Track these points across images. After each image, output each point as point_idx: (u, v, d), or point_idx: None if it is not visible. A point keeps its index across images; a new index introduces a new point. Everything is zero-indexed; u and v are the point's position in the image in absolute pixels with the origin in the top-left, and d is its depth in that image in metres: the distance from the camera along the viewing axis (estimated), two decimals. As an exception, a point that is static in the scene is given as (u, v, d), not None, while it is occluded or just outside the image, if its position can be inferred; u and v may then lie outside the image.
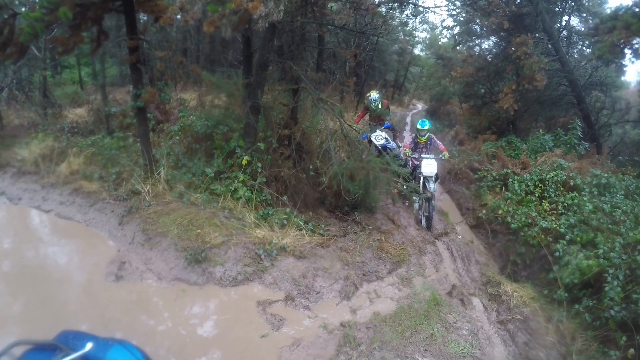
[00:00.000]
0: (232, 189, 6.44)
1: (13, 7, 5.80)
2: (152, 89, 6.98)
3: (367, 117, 9.82)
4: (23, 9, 7.41)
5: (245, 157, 6.50)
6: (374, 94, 9.33)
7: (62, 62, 17.60)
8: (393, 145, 8.65)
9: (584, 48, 14.01)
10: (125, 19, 6.44)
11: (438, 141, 7.94)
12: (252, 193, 6.42)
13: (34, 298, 4.63)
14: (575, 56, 13.59)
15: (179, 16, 6.45)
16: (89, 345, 2.22)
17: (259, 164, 6.53)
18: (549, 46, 11.35)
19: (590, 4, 13.36)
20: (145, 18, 10.15)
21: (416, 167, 7.66)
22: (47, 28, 4.90)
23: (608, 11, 10.52)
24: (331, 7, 6.46)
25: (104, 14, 5.92)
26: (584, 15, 13.28)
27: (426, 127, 7.74)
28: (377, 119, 9.40)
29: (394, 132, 9.68)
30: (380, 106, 9.09)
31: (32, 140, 9.03)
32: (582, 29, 13.19)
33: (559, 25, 12.84)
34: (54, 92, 12.68)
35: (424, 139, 7.75)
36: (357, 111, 15.49)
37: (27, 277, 5.06)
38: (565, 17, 13.25)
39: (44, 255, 5.72)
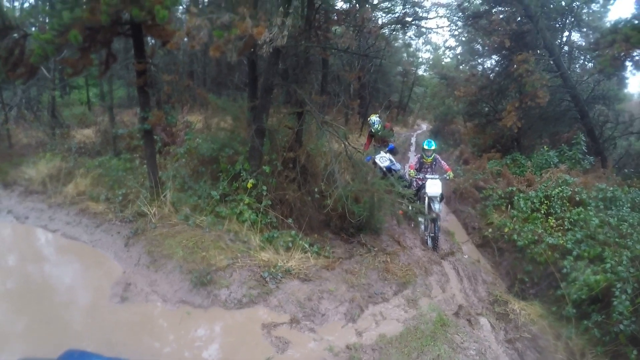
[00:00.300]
0: (238, 212, 6.47)
1: (24, 29, 5.95)
2: (159, 111, 7.07)
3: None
4: (33, 29, 7.60)
5: (251, 180, 6.55)
6: (373, 118, 9.77)
7: (70, 83, 17.86)
8: (398, 166, 8.69)
9: (586, 62, 14.12)
10: (134, 43, 6.58)
11: (442, 161, 7.97)
12: (257, 216, 6.42)
13: (39, 317, 4.63)
14: (577, 71, 13.68)
15: (185, 39, 6.58)
16: None
17: (264, 187, 6.56)
18: (551, 62, 11.42)
19: (590, 18, 13.47)
20: (153, 42, 10.36)
21: (421, 188, 7.68)
22: (57, 50, 5.01)
23: (608, 25, 10.59)
24: (335, 30, 6.57)
25: (112, 38, 6.05)
26: (584, 30, 13.41)
27: (433, 147, 7.78)
28: (381, 141, 9.51)
29: (394, 154, 9.74)
30: (380, 128, 9.38)
31: (40, 159, 9.14)
32: (583, 43, 13.32)
33: (559, 41, 12.93)
34: (62, 113, 12.86)
35: (429, 159, 7.79)
36: (362, 132, 15.65)
37: (32, 296, 5.07)
38: (566, 33, 13.37)
39: (50, 275, 5.75)
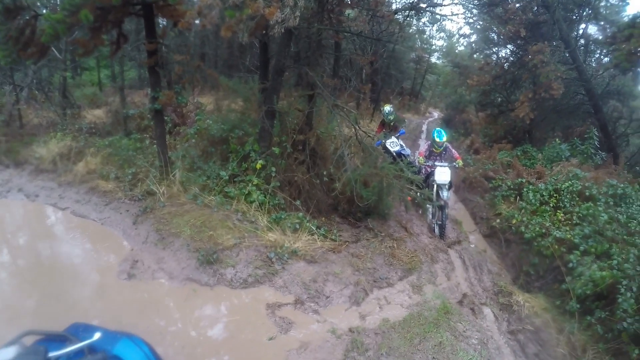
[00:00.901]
0: (246, 193, 6.51)
1: (35, 9, 5.96)
2: (170, 92, 7.09)
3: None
4: (45, 11, 7.62)
5: (260, 161, 6.57)
6: (387, 107, 9.69)
7: (81, 64, 17.90)
8: (408, 151, 8.66)
9: (601, 57, 13.81)
10: (145, 23, 6.57)
11: (453, 149, 7.90)
12: (265, 197, 6.46)
13: (47, 293, 4.73)
14: (593, 65, 13.40)
15: (197, 21, 6.55)
16: (96, 335, 2.26)
17: (273, 169, 6.58)
18: (566, 54, 11.20)
19: (607, 12, 13.14)
20: (164, 22, 10.33)
21: (430, 175, 7.64)
22: (68, 30, 5.01)
23: (625, 19, 10.35)
24: (348, 14, 6.48)
25: (124, 18, 6.05)
26: (601, 23, 13.07)
27: (444, 139, 7.70)
28: (393, 129, 9.51)
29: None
30: (394, 118, 9.37)
31: (51, 139, 9.20)
32: (600, 37, 13.02)
33: (576, 33, 12.66)
34: (73, 93, 12.89)
35: (440, 150, 7.72)
36: (373, 118, 15.52)
37: (41, 272, 5.18)
38: (583, 25, 13.04)
39: (58, 252, 5.84)
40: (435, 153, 7.79)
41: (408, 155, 8.54)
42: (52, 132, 9.57)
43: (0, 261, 5.47)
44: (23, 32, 5.64)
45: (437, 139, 7.68)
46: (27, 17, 5.73)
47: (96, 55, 14.86)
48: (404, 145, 8.82)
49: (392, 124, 9.47)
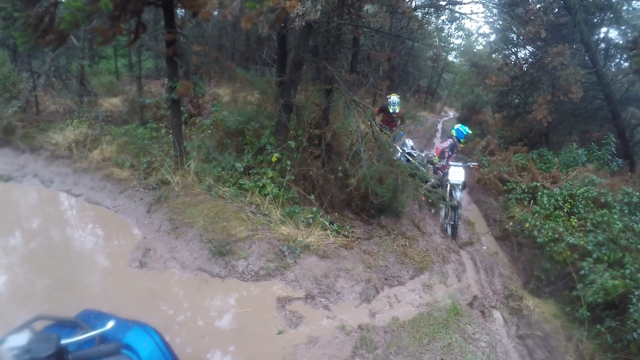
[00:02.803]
0: (261, 185, 6.52)
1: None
2: (187, 82, 7.11)
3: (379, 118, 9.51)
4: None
5: (275, 155, 6.57)
6: (394, 97, 9.18)
7: (99, 53, 18.04)
8: (417, 152, 8.56)
9: (621, 61, 13.56)
10: (164, 13, 6.59)
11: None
12: (279, 190, 6.47)
13: (58, 278, 4.78)
14: (613, 70, 13.18)
15: (216, 12, 6.55)
16: (110, 324, 2.25)
17: (289, 162, 6.59)
18: (586, 58, 11.01)
19: (629, 16, 12.87)
20: (183, 13, 10.35)
21: (443, 174, 7.61)
22: (87, 18, 5.03)
23: (647, 24, 10.16)
24: (367, 9, 6.45)
25: (143, 7, 6.06)
26: (623, 27, 12.82)
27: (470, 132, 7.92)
28: (391, 124, 9.27)
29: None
30: (397, 110, 8.98)
31: (67, 126, 9.28)
32: (620, 41, 12.78)
33: (596, 37, 12.45)
34: (90, 81, 13.00)
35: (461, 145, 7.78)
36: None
37: (53, 257, 5.23)
38: (604, 29, 12.83)
39: (71, 238, 5.90)
40: (458, 150, 7.81)
41: (417, 155, 8.43)
42: (68, 119, 9.63)
43: (14, 245, 5.53)
44: (42, 19, 5.69)
45: (465, 132, 7.87)
46: (47, 5, 5.78)
47: (114, 44, 14.94)
48: (414, 146, 8.70)
49: (394, 115, 9.08)
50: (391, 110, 9.02)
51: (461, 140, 7.89)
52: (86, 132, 8.96)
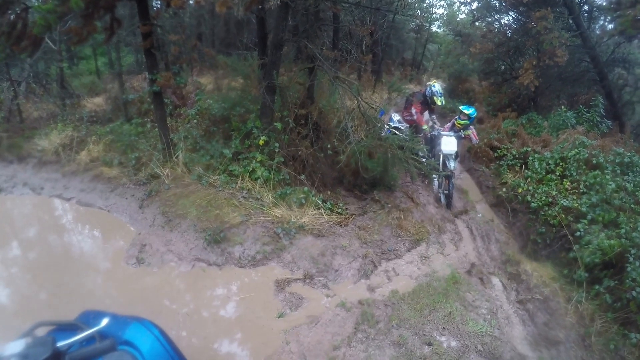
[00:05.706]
0: (250, 170, 6.48)
1: (25, 1, 5.85)
2: (168, 73, 7.01)
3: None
4: (35, 2, 7.48)
5: (263, 138, 6.52)
6: (437, 86, 8.15)
7: (78, 54, 17.71)
8: (404, 125, 8.42)
9: (606, 23, 13.49)
10: (137, 5, 6.44)
11: (474, 131, 7.78)
12: (270, 173, 6.43)
13: (58, 284, 4.75)
14: (597, 32, 13.11)
15: (191, 1, 6.42)
16: (104, 321, 2.27)
17: (277, 144, 6.54)
18: (570, 21, 10.94)
19: (611, -24, 12.82)
20: (158, 4, 10.16)
21: (435, 144, 7.58)
22: (60, 19, 4.90)
23: (631, -16, 10.06)
24: (344, -16, 6.35)
25: (115, 2, 5.92)
26: (606, -12, 12.77)
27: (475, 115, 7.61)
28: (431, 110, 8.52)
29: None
30: (443, 102, 8.19)
31: (52, 130, 9.12)
32: (604, 3, 12.70)
33: (579, -1, 12.39)
34: (71, 83, 12.75)
35: (462, 125, 7.58)
36: (375, 90, 15.24)
37: (51, 264, 5.18)
38: (586, -9, 12.77)
39: (67, 243, 5.84)
40: (456, 128, 7.67)
41: (405, 128, 8.26)
42: (52, 124, 9.46)
43: (11, 257, 5.46)
44: (15, 26, 5.53)
45: (470, 114, 7.56)
46: (18, 11, 5.64)
47: (92, 43, 14.65)
48: (401, 120, 8.55)
49: (433, 106, 8.13)
50: (439, 103, 8.07)
51: (465, 116, 7.59)
52: (72, 135, 8.81)
